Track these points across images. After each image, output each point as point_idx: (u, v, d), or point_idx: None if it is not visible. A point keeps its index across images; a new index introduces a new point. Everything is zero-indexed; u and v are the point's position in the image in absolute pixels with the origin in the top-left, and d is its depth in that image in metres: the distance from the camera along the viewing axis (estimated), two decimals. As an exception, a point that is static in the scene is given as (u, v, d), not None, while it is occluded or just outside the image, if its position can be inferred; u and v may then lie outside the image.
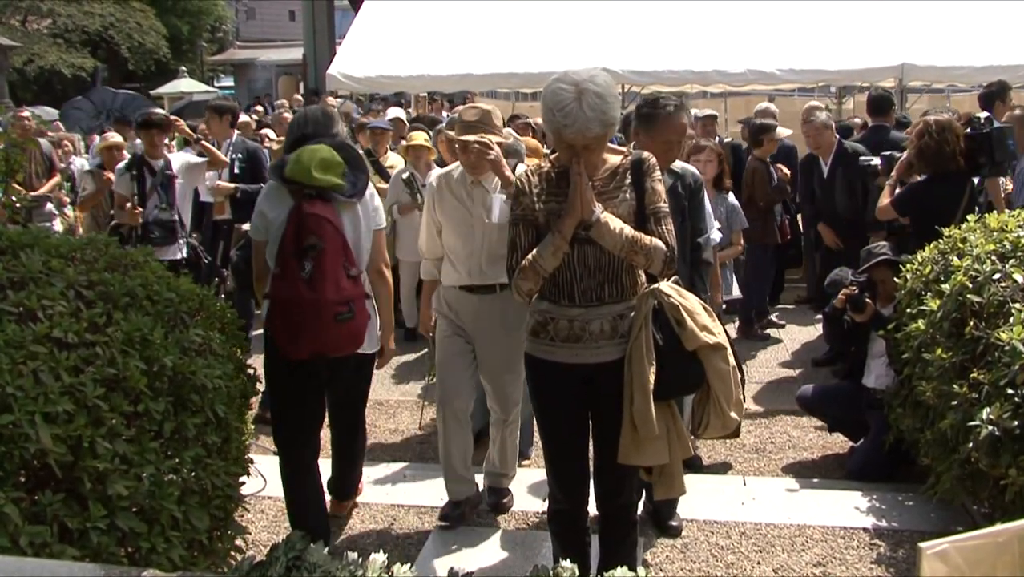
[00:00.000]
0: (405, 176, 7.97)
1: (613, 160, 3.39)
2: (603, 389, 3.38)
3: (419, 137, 7.89)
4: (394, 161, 8.91)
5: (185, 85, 29.87)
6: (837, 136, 8.01)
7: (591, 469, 3.61)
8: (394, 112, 12.10)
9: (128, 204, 6.93)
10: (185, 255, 7.20)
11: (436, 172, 4.76)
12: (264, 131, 11.42)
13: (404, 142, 8.61)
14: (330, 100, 12.74)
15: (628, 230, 3.23)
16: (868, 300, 5.37)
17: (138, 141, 7.80)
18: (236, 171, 8.15)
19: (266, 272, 4.01)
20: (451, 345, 4.63)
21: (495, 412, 4.79)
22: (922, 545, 2.24)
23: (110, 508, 2.76)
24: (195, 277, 4.40)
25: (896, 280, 5.18)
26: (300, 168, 3.87)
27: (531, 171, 3.44)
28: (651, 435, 3.24)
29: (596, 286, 3.34)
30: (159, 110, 7.98)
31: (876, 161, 6.82)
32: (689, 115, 4.46)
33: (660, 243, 3.27)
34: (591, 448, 3.59)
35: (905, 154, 6.28)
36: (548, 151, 6.76)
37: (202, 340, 3.38)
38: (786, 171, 8.42)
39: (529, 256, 3.28)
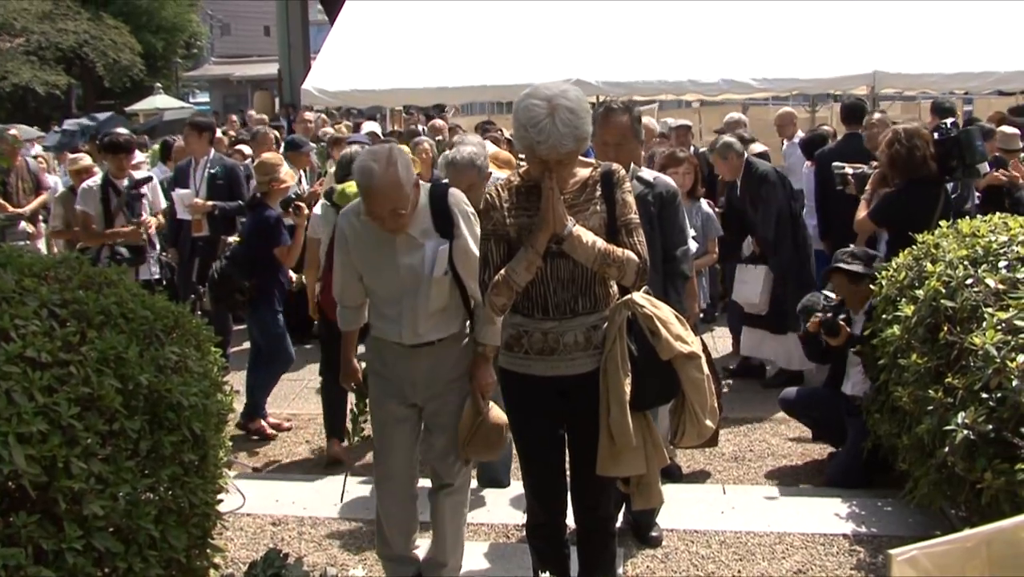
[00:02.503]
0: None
1: (583, 172, 3.40)
2: (579, 401, 3.39)
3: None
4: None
5: (160, 101, 29.77)
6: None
7: (568, 482, 3.61)
8: (369, 126, 12.11)
9: (126, 225, 7.01)
10: (158, 274, 7.20)
11: (344, 209, 4.06)
12: (240, 146, 11.37)
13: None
14: (307, 115, 12.70)
15: (600, 243, 3.24)
16: (842, 323, 5.42)
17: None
18: (215, 187, 8.16)
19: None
20: (388, 412, 4.01)
21: (437, 478, 4.09)
22: (891, 552, 2.28)
23: (86, 528, 2.74)
24: (170, 295, 4.37)
25: (856, 286, 5.32)
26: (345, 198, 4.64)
27: (501, 186, 3.44)
28: (628, 445, 3.25)
29: (570, 298, 3.35)
30: (123, 130, 7.95)
31: (848, 169, 6.87)
32: (638, 122, 4.34)
33: (633, 255, 3.28)
34: (568, 461, 3.58)
35: (875, 165, 6.33)
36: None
37: (178, 357, 3.36)
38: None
39: (502, 271, 3.28)
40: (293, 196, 6.61)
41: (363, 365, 4.29)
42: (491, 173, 5.18)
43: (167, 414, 3.19)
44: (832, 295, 5.61)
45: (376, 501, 4.16)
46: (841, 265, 5.48)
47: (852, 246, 5.88)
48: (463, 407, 3.94)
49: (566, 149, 3.13)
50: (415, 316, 3.82)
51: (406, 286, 3.80)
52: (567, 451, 3.55)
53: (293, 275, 6.85)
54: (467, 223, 3.84)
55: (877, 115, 7.33)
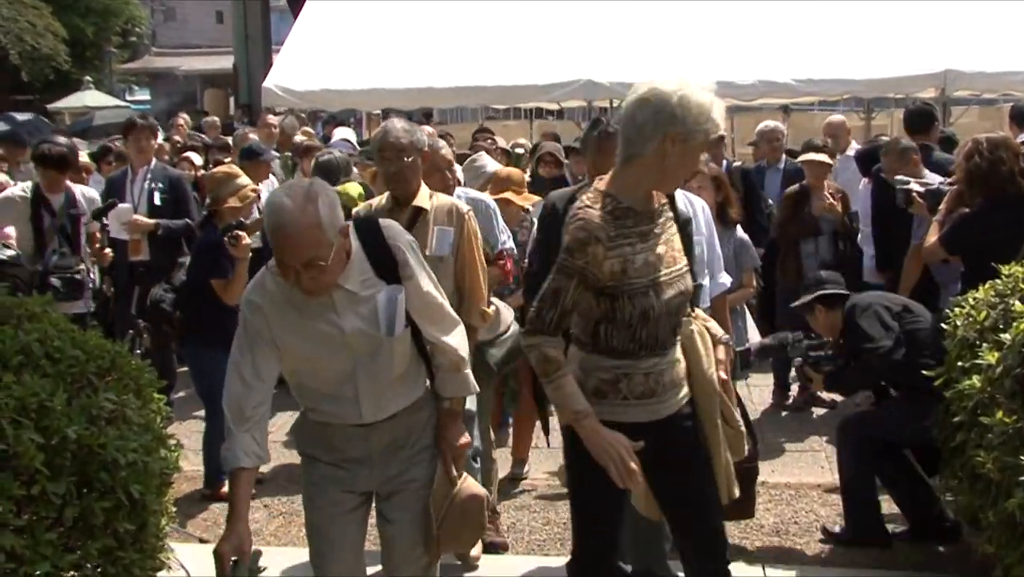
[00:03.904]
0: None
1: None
2: (674, 443, 3.53)
3: None
4: (354, 190, 8.83)
5: (90, 99, 29.79)
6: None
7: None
8: (342, 132, 12.12)
9: (96, 244, 7.01)
10: (91, 307, 7.06)
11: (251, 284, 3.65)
12: (188, 154, 11.34)
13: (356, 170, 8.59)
14: (270, 119, 12.61)
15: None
16: (816, 366, 5.54)
17: (30, 165, 7.70)
18: (157, 203, 8.05)
19: None
20: (332, 503, 3.73)
21: None
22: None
23: (-6, 619, 2.67)
24: (105, 331, 4.32)
25: (833, 312, 5.59)
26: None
27: (598, 213, 3.39)
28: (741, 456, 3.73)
29: (670, 331, 3.52)
30: (62, 139, 7.75)
31: (915, 185, 6.81)
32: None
33: None
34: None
35: (952, 181, 6.28)
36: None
37: (114, 406, 3.32)
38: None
39: (556, 381, 3.34)
40: (233, 223, 6.37)
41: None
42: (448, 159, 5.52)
43: (99, 474, 3.14)
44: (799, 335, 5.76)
45: None
46: (820, 294, 5.65)
47: (823, 273, 6.11)
48: (430, 483, 3.79)
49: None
50: (377, 389, 3.60)
51: (359, 355, 3.54)
52: (662, 507, 3.72)
53: None
54: (415, 257, 3.65)
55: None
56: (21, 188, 7.12)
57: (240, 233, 6.19)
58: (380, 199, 5.15)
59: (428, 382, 3.80)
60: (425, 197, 4.96)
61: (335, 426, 3.65)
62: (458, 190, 5.67)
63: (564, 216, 3.70)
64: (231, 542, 3.33)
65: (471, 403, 4.88)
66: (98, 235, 7.31)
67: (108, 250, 7.31)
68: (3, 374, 3.07)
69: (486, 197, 5.93)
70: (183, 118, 16.11)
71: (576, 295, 3.34)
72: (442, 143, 5.77)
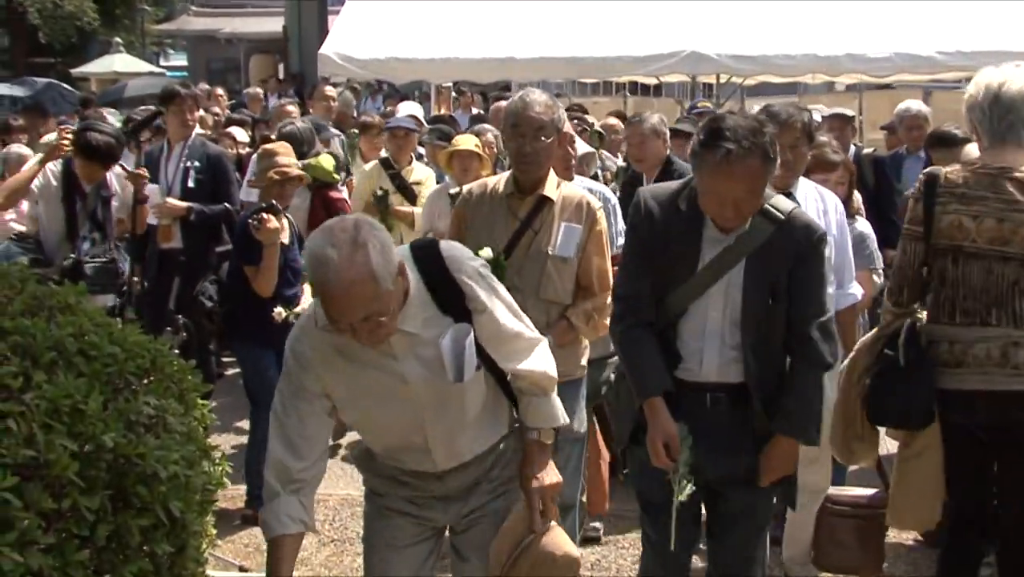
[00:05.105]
0: (453, 192, 7.84)
1: None
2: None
3: (467, 142, 7.85)
4: (422, 175, 8.89)
5: (120, 63, 29.91)
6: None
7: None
8: (408, 107, 12.16)
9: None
10: (114, 300, 7.07)
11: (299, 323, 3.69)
12: (232, 129, 11.46)
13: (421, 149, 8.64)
14: (328, 90, 12.66)
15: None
16: None
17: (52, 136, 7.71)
18: (191, 184, 8.11)
19: None
20: (399, 530, 3.76)
21: None
22: None
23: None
24: (147, 326, 4.36)
25: None
26: None
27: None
28: None
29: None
30: (113, 122, 7.63)
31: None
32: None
33: None
34: None
35: None
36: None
37: (155, 412, 3.34)
38: None
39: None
40: (264, 204, 6.45)
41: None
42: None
43: (137, 488, 3.15)
44: None
45: None
46: None
47: None
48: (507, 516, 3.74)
49: None
50: (449, 437, 3.61)
51: (425, 404, 3.53)
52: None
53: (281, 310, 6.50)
54: (484, 285, 3.57)
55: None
56: (54, 163, 7.17)
57: (265, 216, 6.21)
58: (498, 180, 5.05)
59: (513, 411, 3.79)
60: (552, 186, 4.89)
61: (407, 470, 3.70)
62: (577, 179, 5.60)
63: (657, 216, 3.92)
64: None
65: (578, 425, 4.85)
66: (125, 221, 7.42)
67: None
68: (34, 372, 3.08)
69: (606, 190, 5.82)
70: (221, 94, 16.24)
71: None
72: (561, 113, 5.64)
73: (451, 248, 3.63)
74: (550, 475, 3.65)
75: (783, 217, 4.03)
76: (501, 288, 3.64)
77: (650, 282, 4.06)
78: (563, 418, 3.75)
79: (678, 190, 4.09)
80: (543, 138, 4.74)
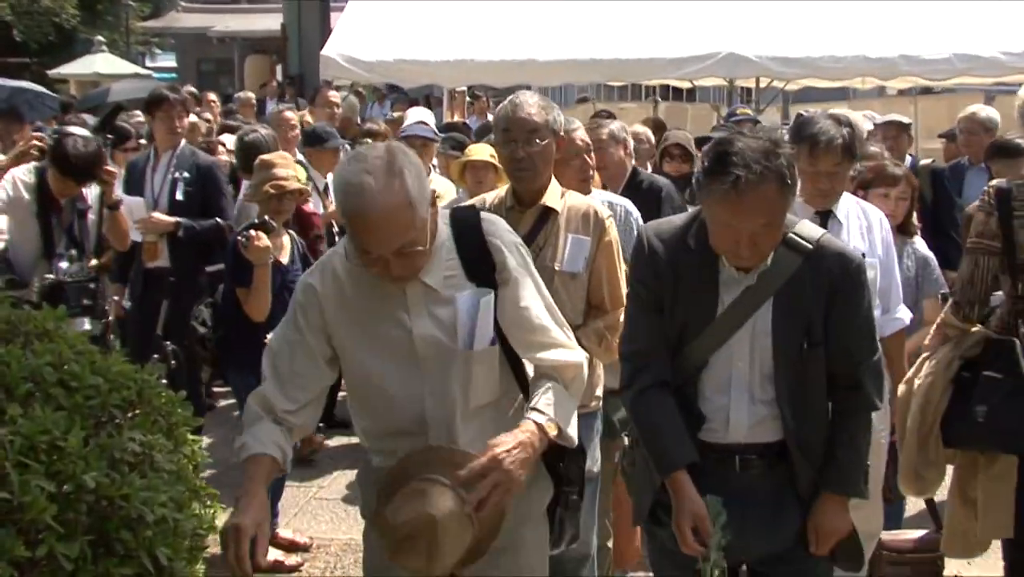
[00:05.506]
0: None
1: None
2: None
3: (481, 152, 7.87)
4: (441, 188, 8.88)
5: (102, 64, 30.13)
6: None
7: None
8: (418, 113, 12.15)
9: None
10: (100, 324, 7.06)
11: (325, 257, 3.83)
12: (223, 137, 11.47)
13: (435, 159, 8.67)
14: (331, 95, 12.70)
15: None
16: None
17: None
18: (180, 197, 8.12)
19: None
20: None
21: None
22: None
23: None
24: (132, 353, 4.35)
25: None
26: None
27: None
28: None
29: None
30: (85, 135, 7.60)
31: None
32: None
33: None
34: None
35: None
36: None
37: (140, 449, 3.34)
38: None
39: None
40: (256, 220, 6.46)
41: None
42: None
43: (120, 533, 3.14)
44: None
45: None
46: None
47: None
48: (539, 547, 3.79)
49: None
50: (449, 418, 3.58)
51: (427, 372, 3.56)
52: None
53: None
54: (519, 260, 3.65)
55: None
56: (24, 172, 7.04)
57: (254, 232, 6.23)
58: (495, 195, 5.06)
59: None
60: (556, 195, 4.87)
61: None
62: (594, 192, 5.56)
63: (663, 257, 3.80)
64: (251, 516, 3.39)
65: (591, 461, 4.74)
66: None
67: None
68: (7, 405, 3.08)
69: (626, 202, 5.76)
70: (213, 99, 16.29)
71: None
72: (576, 122, 5.59)
73: (492, 217, 3.74)
74: (518, 467, 3.39)
75: (811, 247, 3.82)
76: (536, 274, 3.67)
77: (662, 335, 3.89)
78: (573, 430, 3.62)
79: (686, 225, 3.89)
80: (537, 141, 4.70)
